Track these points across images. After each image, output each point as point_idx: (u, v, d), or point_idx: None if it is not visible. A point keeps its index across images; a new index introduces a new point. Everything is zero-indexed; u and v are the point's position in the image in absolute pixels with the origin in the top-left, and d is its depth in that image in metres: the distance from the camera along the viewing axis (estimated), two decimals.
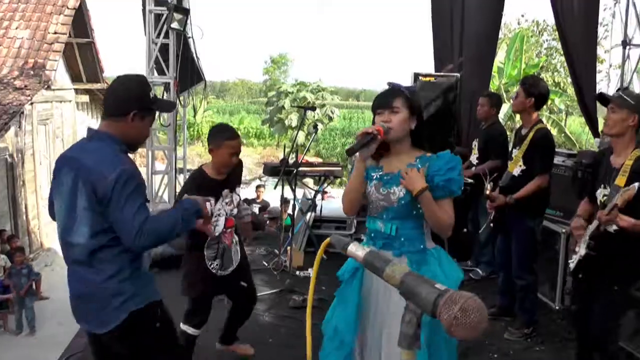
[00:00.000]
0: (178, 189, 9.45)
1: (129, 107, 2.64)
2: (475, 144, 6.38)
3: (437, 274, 2.69)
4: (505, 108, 17.23)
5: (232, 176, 3.95)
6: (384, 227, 2.86)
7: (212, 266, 3.89)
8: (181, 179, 10.13)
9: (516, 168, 4.70)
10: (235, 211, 3.96)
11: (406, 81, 5.00)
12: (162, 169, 9.20)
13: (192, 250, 3.92)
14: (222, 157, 3.78)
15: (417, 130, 2.82)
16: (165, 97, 8.23)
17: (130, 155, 2.76)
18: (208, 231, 3.69)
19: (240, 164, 4.05)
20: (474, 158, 6.32)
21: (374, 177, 2.88)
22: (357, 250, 1.55)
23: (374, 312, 2.80)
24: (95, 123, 17.55)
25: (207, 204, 2.99)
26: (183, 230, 2.67)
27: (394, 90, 2.85)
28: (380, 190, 2.85)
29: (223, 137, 3.77)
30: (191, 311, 4.02)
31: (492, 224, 4.93)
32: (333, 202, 8.81)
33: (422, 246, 2.82)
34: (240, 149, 3.85)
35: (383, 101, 2.80)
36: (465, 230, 6.90)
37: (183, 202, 2.81)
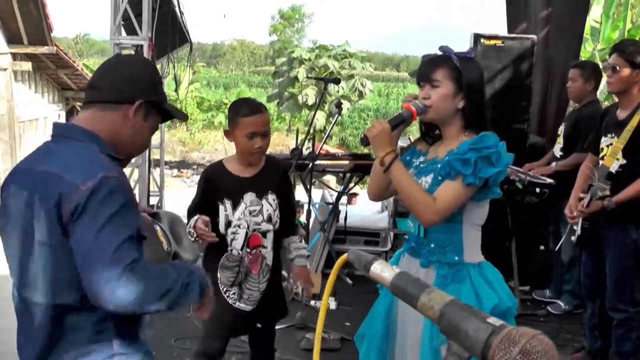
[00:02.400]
0: (153, 188, 9.53)
1: (134, 92, 2.42)
2: (562, 129, 6.34)
3: (464, 297, 2.75)
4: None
5: (264, 176, 3.91)
6: (413, 227, 3.01)
7: (227, 294, 3.86)
8: (157, 174, 10.22)
9: (614, 163, 4.66)
10: (264, 226, 3.87)
11: (462, 46, 4.99)
12: (132, 160, 9.25)
13: (206, 260, 3.88)
14: (239, 142, 3.77)
15: (469, 111, 2.92)
16: None
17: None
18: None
19: (278, 165, 4.06)
20: (557, 149, 6.29)
21: (414, 164, 3.07)
22: (383, 270, 1.55)
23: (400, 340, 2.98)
24: (41, 99, 17.66)
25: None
26: (177, 302, 2.32)
27: (437, 57, 2.98)
28: None
29: (237, 113, 3.77)
30: (202, 352, 4.01)
31: (573, 237, 4.90)
32: (362, 206, 8.83)
33: (456, 258, 2.91)
34: (264, 127, 3.78)
35: (423, 72, 2.96)
36: (542, 248, 6.88)
37: (191, 265, 2.58)
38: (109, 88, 2.42)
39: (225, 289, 3.85)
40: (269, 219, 3.88)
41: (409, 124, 3.00)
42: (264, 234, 3.89)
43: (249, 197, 3.83)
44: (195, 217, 3.68)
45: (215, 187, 3.84)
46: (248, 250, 3.83)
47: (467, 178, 2.75)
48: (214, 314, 3.78)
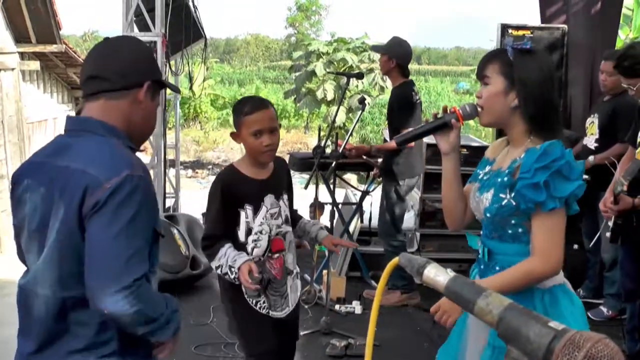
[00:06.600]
0: (168, 189, 9.53)
1: (141, 74, 2.44)
2: (592, 121, 6.29)
3: None
4: None
5: (278, 176, 3.89)
6: (480, 249, 2.88)
7: (258, 306, 3.78)
8: (172, 174, 10.23)
9: None
10: (284, 228, 3.86)
11: (487, 37, 4.98)
12: (147, 161, 9.27)
13: (227, 283, 3.75)
14: (248, 142, 3.71)
15: (526, 110, 2.69)
16: None
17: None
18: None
19: (284, 163, 4.05)
20: (591, 141, 6.23)
21: (479, 177, 2.90)
22: (437, 274, 1.54)
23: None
24: (50, 99, 17.70)
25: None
26: (153, 334, 2.36)
27: (491, 51, 2.89)
28: (475, 196, 2.84)
29: (240, 112, 3.71)
30: None
31: (608, 233, 4.87)
32: None
33: None
34: (271, 123, 3.70)
35: (477, 68, 2.83)
36: (576, 247, 6.82)
37: (176, 305, 2.52)
38: (115, 75, 2.40)
39: (253, 301, 3.78)
40: (287, 220, 3.88)
41: (455, 127, 2.78)
42: (284, 235, 3.88)
43: (269, 199, 3.79)
44: (240, 260, 3.58)
45: (234, 194, 3.74)
46: (270, 255, 3.80)
47: (545, 205, 2.55)
48: (253, 330, 3.80)
